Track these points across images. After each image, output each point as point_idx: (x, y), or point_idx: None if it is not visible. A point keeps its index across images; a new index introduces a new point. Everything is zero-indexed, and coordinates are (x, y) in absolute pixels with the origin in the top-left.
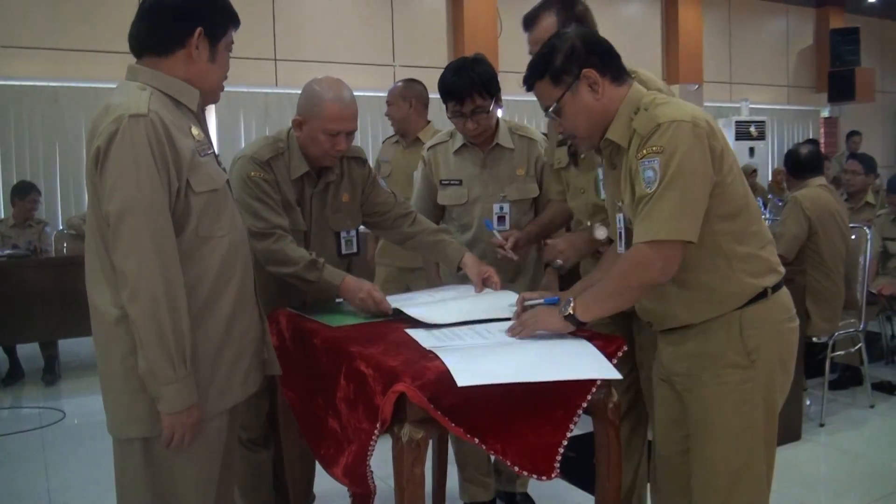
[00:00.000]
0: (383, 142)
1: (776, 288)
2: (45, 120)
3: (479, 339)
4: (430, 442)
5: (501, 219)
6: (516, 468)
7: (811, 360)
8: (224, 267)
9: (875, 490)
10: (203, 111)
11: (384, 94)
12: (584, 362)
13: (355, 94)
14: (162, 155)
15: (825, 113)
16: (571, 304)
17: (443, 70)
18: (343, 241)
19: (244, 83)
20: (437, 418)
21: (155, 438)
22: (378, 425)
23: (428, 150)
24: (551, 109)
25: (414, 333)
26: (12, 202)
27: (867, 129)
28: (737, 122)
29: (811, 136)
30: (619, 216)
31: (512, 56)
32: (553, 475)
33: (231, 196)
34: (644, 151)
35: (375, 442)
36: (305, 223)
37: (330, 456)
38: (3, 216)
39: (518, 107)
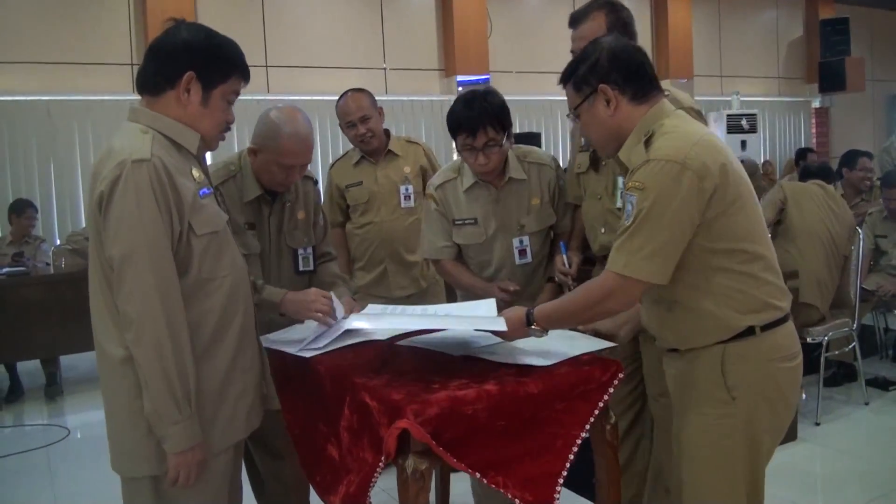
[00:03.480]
0: (331, 167)
1: (770, 326)
2: (39, 135)
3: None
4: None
5: (522, 252)
6: (517, 501)
7: (806, 357)
8: (227, 307)
9: (871, 490)
10: (204, 156)
11: (376, 99)
12: (589, 342)
13: None
14: (164, 199)
15: (816, 103)
16: (534, 315)
17: (453, 102)
18: (300, 259)
19: None
20: (439, 454)
21: (163, 476)
22: (383, 458)
23: (436, 189)
24: (572, 113)
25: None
26: (9, 220)
27: (858, 119)
28: (728, 115)
29: (803, 128)
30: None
31: (502, 56)
32: None
33: (231, 236)
34: (630, 183)
35: (379, 473)
36: (263, 244)
37: (326, 483)
38: (0, 234)
39: (512, 106)
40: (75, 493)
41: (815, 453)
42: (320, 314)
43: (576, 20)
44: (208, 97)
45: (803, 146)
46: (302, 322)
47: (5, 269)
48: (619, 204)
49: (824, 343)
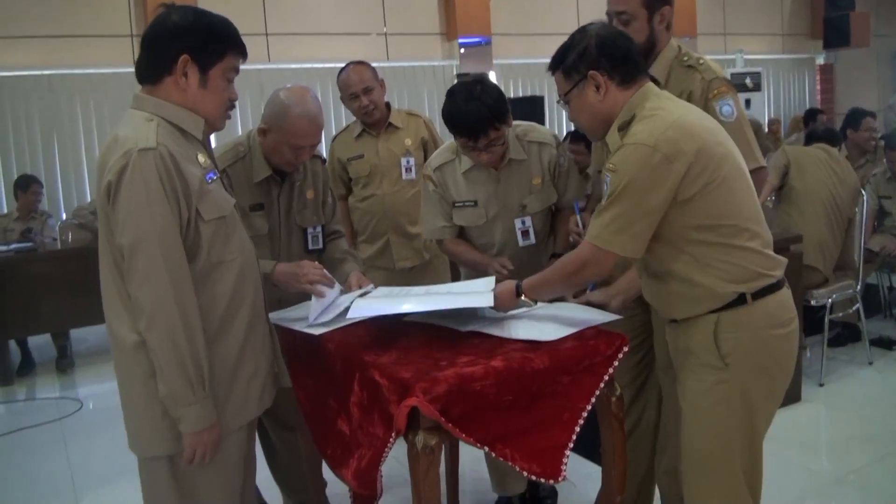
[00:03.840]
0: (333, 140)
1: (761, 294)
2: (41, 110)
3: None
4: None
5: (525, 233)
6: (525, 472)
7: (810, 318)
8: (236, 289)
9: (874, 450)
10: (209, 138)
11: (376, 65)
12: (593, 316)
13: None
14: (172, 186)
15: (821, 60)
16: (521, 285)
17: (451, 89)
18: (310, 237)
19: None
20: (448, 429)
21: (179, 455)
22: (393, 434)
23: (434, 171)
24: (562, 100)
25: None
26: (15, 196)
27: (863, 75)
28: (732, 74)
29: (807, 85)
30: None
31: (503, 20)
32: (560, 478)
33: (239, 219)
34: (608, 165)
35: (390, 449)
36: (273, 223)
37: (337, 456)
38: (5, 211)
39: (511, 70)
40: (90, 465)
41: (818, 414)
42: (310, 284)
43: None
44: (206, 78)
45: (808, 104)
46: (306, 297)
47: (13, 245)
48: None
49: (828, 305)
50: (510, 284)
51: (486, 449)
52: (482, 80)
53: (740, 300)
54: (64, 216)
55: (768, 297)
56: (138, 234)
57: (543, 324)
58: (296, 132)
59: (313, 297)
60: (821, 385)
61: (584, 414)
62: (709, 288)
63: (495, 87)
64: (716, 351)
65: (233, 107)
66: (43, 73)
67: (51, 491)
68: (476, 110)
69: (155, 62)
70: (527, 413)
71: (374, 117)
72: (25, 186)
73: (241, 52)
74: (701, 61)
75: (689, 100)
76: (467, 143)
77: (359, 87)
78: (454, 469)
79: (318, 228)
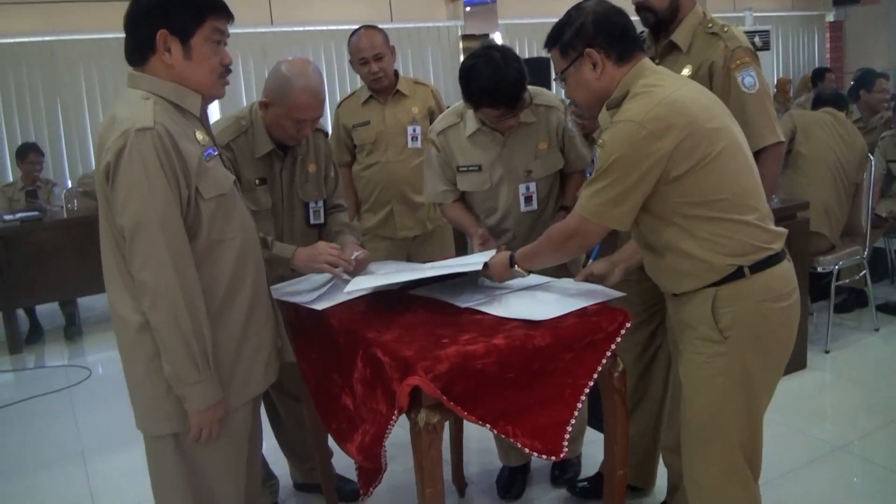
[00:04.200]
0: (338, 106)
1: (759, 267)
2: (44, 77)
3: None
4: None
5: (528, 199)
6: (526, 449)
7: (816, 284)
8: (238, 267)
9: (879, 418)
10: (206, 113)
11: (381, 27)
12: (599, 292)
13: (350, 27)
14: (171, 166)
15: (830, 17)
16: (515, 258)
17: (468, 61)
18: (311, 212)
19: (238, 24)
20: (450, 408)
21: (184, 433)
22: (396, 412)
23: (438, 135)
24: (558, 77)
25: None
26: (18, 165)
27: (873, 33)
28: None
29: (816, 44)
30: None
31: None
32: (562, 454)
33: (239, 196)
34: (598, 142)
35: (393, 425)
36: (275, 198)
37: (343, 431)
38: (11, 179)
39: (517, 30)
40: (99, 433)
41: (824, 381)
42: (328, 265)
43: None
44: (189, 48)
45: (818, 63)
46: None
47: (19, 215)
48: None
49: (834, 272)
50: (504, 255)
51: (488, 426)
52: (500, 47)
53: (738, 273)
54: (69, 184)
55: (767, 271)
56: (139, 214)
57: (543, 300)
58: (297, 106)
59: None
60: (826, 352)
61: (587, 391)
62: (705, 261)
63: (514, 55)
64: (714, 325)
65: (228, 71)
66: (44, 38)
67: (60, 458)
68: (512, 78)
69: (137, 43)
70: (529, 390)
71: (382, 84)
72: (23, 156)
73: (223, 12)
74: (725, 29)
75: (710, 69)
76: (504, 114)
77: (369, 52)
78: (458, 439)
79: (320, 203)
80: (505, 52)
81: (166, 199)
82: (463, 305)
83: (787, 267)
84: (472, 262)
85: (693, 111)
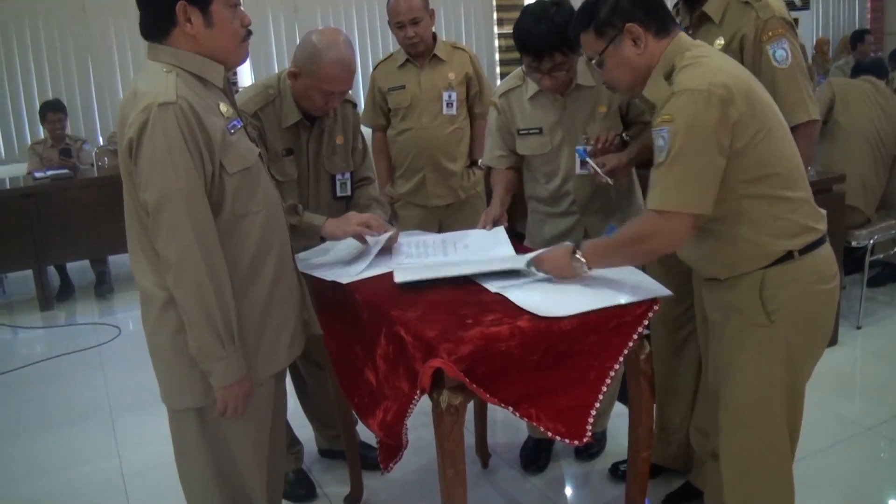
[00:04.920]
0: (375, 68)
1: (807, 249)
2: (75, 33)
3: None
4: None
5: (584, 162)
6: (549, 433)
7: (850, 257)
8: (262, 240)
9: None
10: (230, 83)
11: None
12: (642, 285)
13: None
14: (194, 140)
15: None
16: (582, 253)
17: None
18: (338, 184)
19: None
20: (472, 390)
21: (208, 407)
22: (418, 392)
23: (500, 97)
24: (594, 61)
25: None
26: (42, 125)
27: None
28: None
29: (858, 3)
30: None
31: None
32: (585, 439)
33: (264, 168)
34: (657, 119)
35: (416, 404)
36: (301, 169)
37: (364, 405)
38: (42, 136)
39: None
40: (127, 392)
41: (855, 357)
42: (360, 227)
43: None
44: (209, 15)
45: (858, 23)
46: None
47: (49, 172)
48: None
49: (869, 247)
50: (565, 249)
51: (511, 409)
52: (560, 1)
53: (787, 256)
54: (101, 141)
55: (814, 252)
56: (162, 190)
57: (579, 292)
58: (328, 78)
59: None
60: (858, 328)
61: (612, 374)
62: (758, 245)
63: (571, 11)
64: (761, 308)
65: (249, 33)
66: None
67: (87, 415)
68: (544, 30)
69: (156, 18)
70: (552, 373)
71: (418, 49)
72: (42, 116)
73: None
74: None
75: (741, 41)
76: (531, 64)
77: (406, 16)
78: (483, 409)
79: (347, 175)
80: (560, 9)
81: (189, 175)
82: (493, 289)
83: (829, 249)
84: (516, 260)
85: (747, 80)
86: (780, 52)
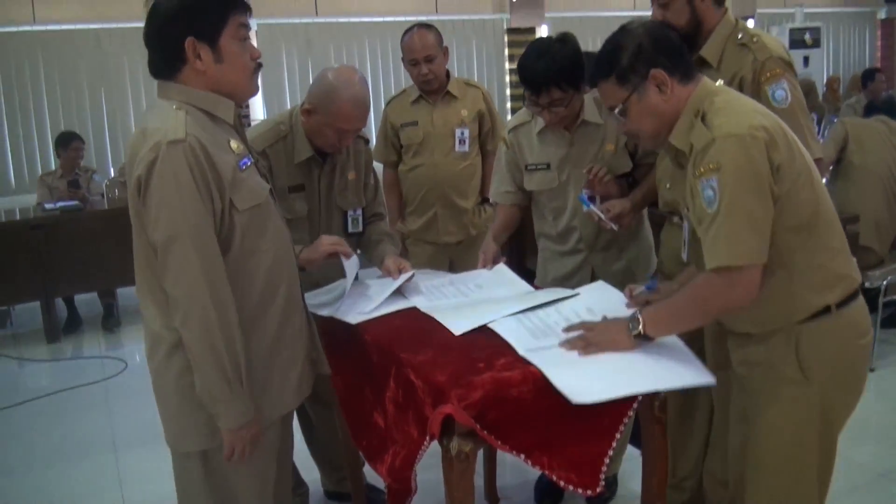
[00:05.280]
0: (388, 104)
1: (844, 303)
2: (89, 65)
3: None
4: None
5: (593, 199)
6: (562, 482)
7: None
8: (270, 279)
9: None
10: (241, 120)
11: (424, 19)
12: (682, 368)
13: (395, 20)
14: (203, 179)
15: (882, 15)
16: (640, 322)
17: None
18: (350, 220)
19: (283, 15)
20: (483, 437)
21: (212, 451)
22: (428, 438)
23: (510, 132)
24: (617, 111)
25: (500, 331)
26: (57, 154)
27: None
28: (791, 29)
29: (868, 42)
30: (686, 223)
31: None
32: (598, 489)
33: (275, 206)
34: (702, 169)
35: (425, 450)
36: (312, 205)
37: (373, 448)
38: (53, 167)
39: (564, 24)
40: (132, 427)
41: (868, 401)
42: (331, 247)
43: None
44: (219, 51)
45: (868, 61)
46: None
47: (59, 204)
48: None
49: (882, 287)
50: (621, 322)
51: (522, 457)
52: (565, 38)
53: (825, 310)
54: (112, 173)
55: (851, 305)
56: (171, 229)
57: (617, 369)
58: (342, 116)
59: (346, 270)
60: (871, 370)
61: (626, 420)
62: (796, 299)
63: (575, 50)
64: (797, 365)
65: (259, 66)
66: (91, 27)
67: (91, 450)
68: (543, 66)
69: (165, 57)
70: (565, 420)
71: (432, 86)
72: (66, 144)
73: (243, 7)
74: (755, 39)
75: (740, 83)
76: (531, 98)
77: (420, 54)
78: (492, 451)
79: (359, 211)
80: (563, 46)
81: (198, 214)
82: (521, 352)
83: (863, 302)
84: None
85: (781, 123)
86: (779, 93)
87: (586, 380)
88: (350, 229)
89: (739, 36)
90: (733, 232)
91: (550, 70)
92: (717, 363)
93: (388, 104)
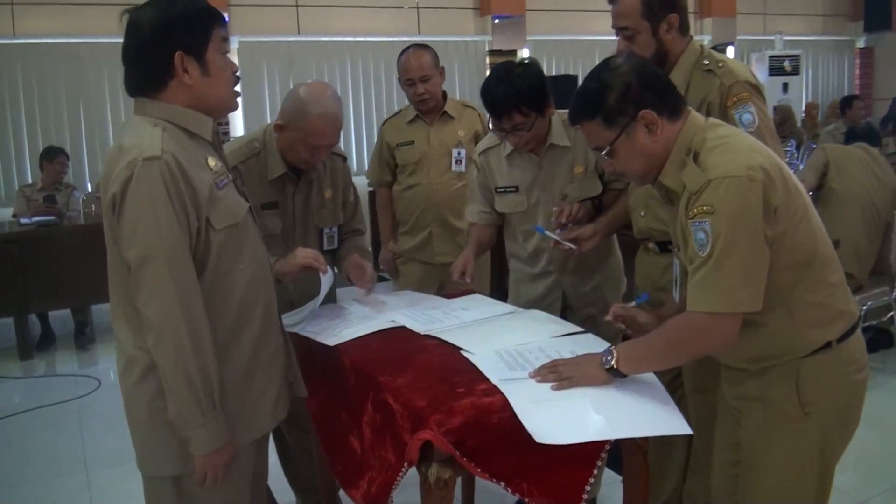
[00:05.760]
0: (384, 124)
1: (843, 337)
2: (69, 79)
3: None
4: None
5: (563, 224)
6: None
7: None
8: (247, 299)
9: None
10: (219, 137)
11: (406, 39)
12: (657, 414)
13: (377, 39)
14: (179, 197)
15: (860, 43)
16: (614, 357)
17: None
18: (325, 238)
19: (265, 32)
20: (462, 464)
21: (185, 476)
22: (406, 464)
23: (480, 154)
24: (604, 153)
25: (475, 361)
26: (41, 167)
27: None
28: (770, 56)
29: (846, 69)
30: (676, 261)
31: None
32: None
33: (253, 222)
34: (695, 211)
35: (402, 477)
36: (287, 222)
37: (348, 474)
38: (30, 181)
39: (545, 47)
40: (104, 448)
41: None
42: (306, 260)
43: None
44: (205, 64)
45: (847, 88)
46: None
47: (36, 218)
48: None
49: (861, 313)
50: (594, 358)
51: (503, 484)
52: (528, 63)
53: (825, 346)
54: (89, 187)
55: (850, 339)
56: (144, 248)
57: (589, 408)
58: (314, 132)
59: (322, 285)
60: None
61: (608, 447)
62: (797, 335)
63: (537, 74)
64: (796, 400)
65: (238, 79)
66: (70, 40)
67: (63, 470)
68: (503, 91)
69: (150, 72)
70: (545, 447)
71: (428, 106)
72: (51, 157)
73: (223, 21)
74: (721, 64)
75: (708, 109)
76: (494, 122)
77: (416, 73)
78: (470, 477)
79: (335, 229)
80: (525, 71)
81: (173, 233)
82: (494, 380)
83: (860, 335)
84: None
85: (777, 159)
86: (746, 116)
87: (556, 419)
88: (325, 247)
89: (705, 62)
90: (722, 278)
91: (511, 95)
92: (696, 386)
93: (384, 124)
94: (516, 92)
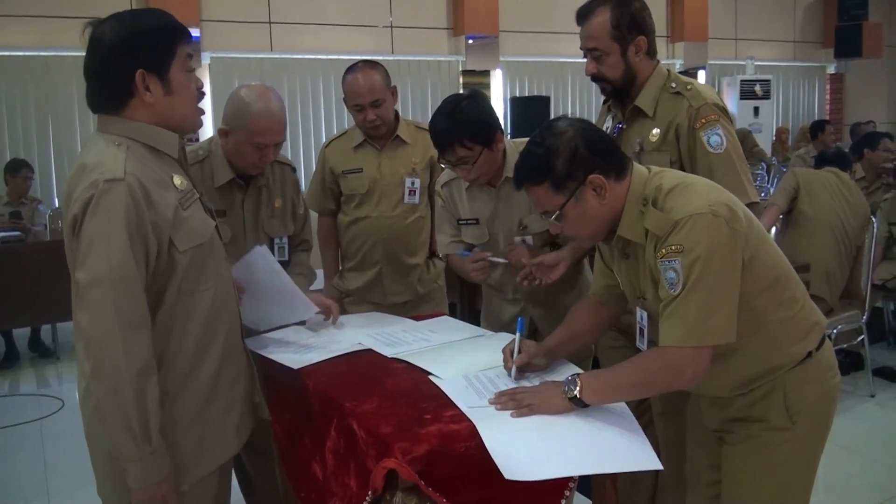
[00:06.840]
0: (326, 146)
1: (819, 346)
2: (37, 92)
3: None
4: None
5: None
6: None
7: None
8: (209, 320)
9: (879, 493)
10: (185, 153)
11: (380, 58)
12: (628, 449)
13: (350, 57)
14: (140, 221)
15: (831, 69)
16: (578, 386)
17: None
18: (276, 248)
19: (238, 49)
20: (427, 494)
21: None
22: (370, 492)
23: (442, 187)
24: (553, 217)
25: (444, 387)
26: (5, 180)
27: (874, 86)
28: (742, 80)
29: (817, 94)
30: (640, 311)
31: (512, 15)
32: None
33: (219, 241)
34: (664, 251)
35: None
36: (236, 230)
37: (311, 500)
38: None
39: (518, 68)
40: (67, 470)
41: None
42: (325, 304)
43: (582, 17)
44: (168, 82)
45: (817, 113)
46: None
47: (0, 234)
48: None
49: (832, 336)
50: (555, 386)
51: None
52: (474, 95)
53: (807, 356)
54: (56, 202)
55: (823, 348)
56: (93, 272)
57: (559, 440)
58: (258, 130)
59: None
60: None
61: (577, 477)
62: (781, 353)
63: (482, 107)
64: (784, 411)
65: (202, 96)
66: (40, 53)
67: (23, 494)
68: (444, 126)
69: (111, 89)
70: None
71: (380, 132)
72: (15, 171)
73: (189, 37)
74: (689, 87)
75: (676, 131)
76: (445, 158)
77: (367, 98)
78: None
79: (285, 239)
80: (471, 104)
81: (124, 261)
82: (463, 408)
83: (828, 339)
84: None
85: (730, 195)
86: (714, 138)
87: (526, 454)
88: (276, 257)
89: (673, 85)
90: (694, 312)
91: (451, 129)
92: (664, 409)
93: (326, 146)
94: (457, 125)
